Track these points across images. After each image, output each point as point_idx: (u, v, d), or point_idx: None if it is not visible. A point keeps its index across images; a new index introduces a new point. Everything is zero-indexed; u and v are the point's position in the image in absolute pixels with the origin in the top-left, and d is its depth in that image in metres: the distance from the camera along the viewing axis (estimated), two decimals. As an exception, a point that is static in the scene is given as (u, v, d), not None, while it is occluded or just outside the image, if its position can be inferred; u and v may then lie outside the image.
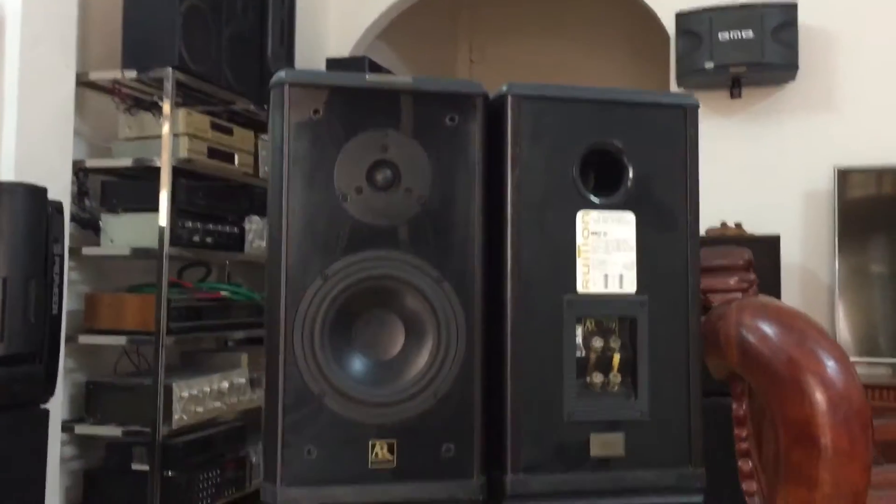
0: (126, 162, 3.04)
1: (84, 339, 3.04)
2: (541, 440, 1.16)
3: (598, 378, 1.19)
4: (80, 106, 3.06)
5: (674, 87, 4.07)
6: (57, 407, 2.87)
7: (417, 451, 1.13)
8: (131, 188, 3.08)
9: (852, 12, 3.90)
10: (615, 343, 1.20)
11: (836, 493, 1.50)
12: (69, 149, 2.95)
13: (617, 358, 1.19)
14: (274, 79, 1.12)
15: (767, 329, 1.65)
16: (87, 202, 3.07)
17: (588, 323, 1.20)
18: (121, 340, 3.04)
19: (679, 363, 1.21)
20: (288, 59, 3.53)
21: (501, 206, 1.17)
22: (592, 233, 1.18)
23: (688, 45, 3.97)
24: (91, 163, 3.07)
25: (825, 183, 3.86)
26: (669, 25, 4.10)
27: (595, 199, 1.19)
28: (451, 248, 1.15)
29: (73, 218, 3.02)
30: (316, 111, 1.11)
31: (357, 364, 1.13)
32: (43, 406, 2.52)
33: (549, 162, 1.18)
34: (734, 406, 1.81)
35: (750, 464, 1.73)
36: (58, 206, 2.61)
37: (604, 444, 1.17)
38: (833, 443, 1.50)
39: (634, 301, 1.20)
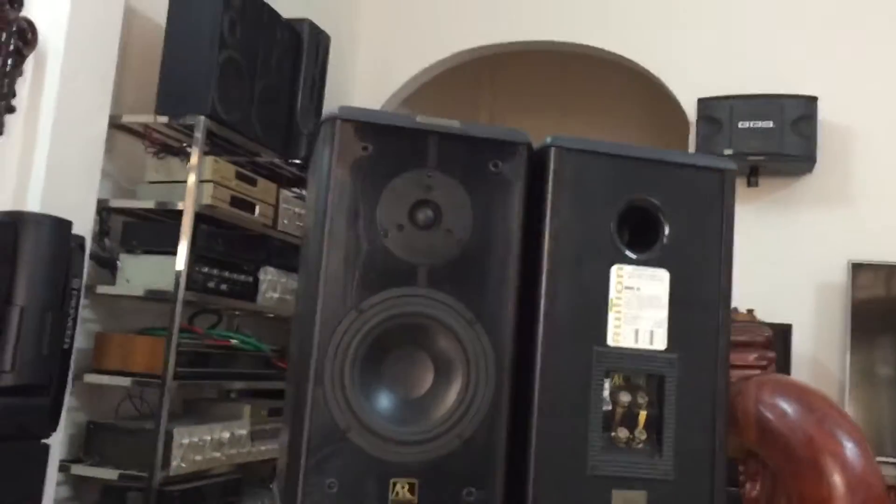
0: (149, 204, 3.07)
1: (90, 378, 3.02)
2: (563, 492, 1.14)
3: (623, 433, 1.18)
4: (109, 147, 3.10)
5: (692, 171, 4.12)
6: (56, 445, 2.84)
7: (439, 492, 1.12)
8: (152, 230, 3.11)
9: (871, 108, 3.97)
10: (642, 399, 1.19)
11: (852, 576, 1.47)
12: (95, 187, 2.99)
13: (643, 414, 1.19)
14: (325, 114, 1.14)
15: (787, 407, 1.64)
16: (106, 241, 3.09)
17: (616, 377, 1.19)
18: (125, 382, 3.02)
19: (705, 424, 1.20)
20: (317, 115, 3.60)
21: (538, 254, 1.18)
22: (626, 287, 1.19)
23: (708, 131, 4.03)
24: (115, 203, 3.11)
25: (839, 276, 3.87)
26: (690, 110, 4.17)
27: (631, 255, 1.20)
28: (487, 291, 1.15)
29: (92, 256, 3.04)
30: (365, 147, 1.13)
31: (385, 400, 1.13)
32: (44, 441, 2.49)
33: (588, 214, 1.19)
34: (747, 486, 1.78)
35: (760, 545, 1.70)
36: (80, 242, 2.63)
37: (626, 501, 1.15)
38: (850, 526, 1.48)
39: (664, 358, 1.19)
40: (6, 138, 2.69)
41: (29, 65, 2.75)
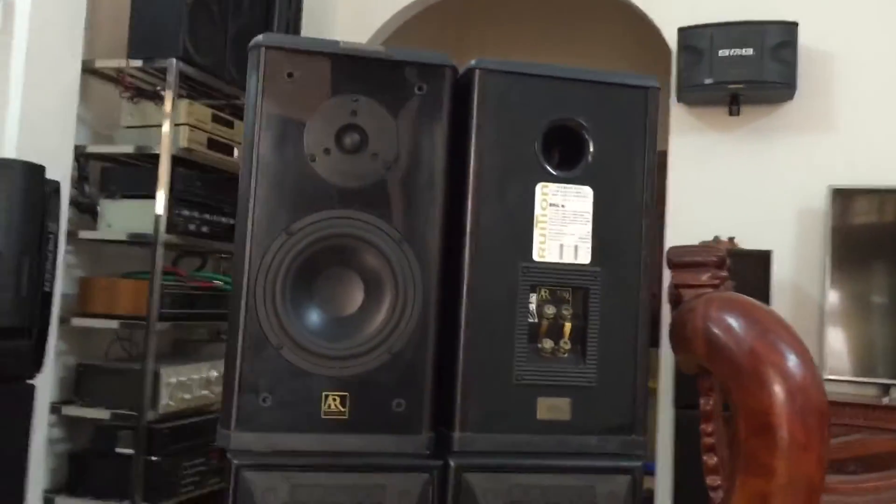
0: (127, 149, 3.10)
1: (77, 322, 3.08)
2: (489, 401, 1.20)
3: (548, 344, 1.23)
4: (84, 93, 3.12)
5: (673, 101, 4.11)
6: (46, 388, 2.91)
7: (369, 404, 1.17)
8: (131, 175, 3.13)
9: (852, 33, 3.94)
10: (567, 311, 1.24)
11: (791, 483, 1.53)
12: (71, 133, 3.01)
13: (568, 326, 1.23)
14: (252, 42, 1.17)
15: (732, 321, 1.68)
16: (86, 187, 3.12)
17: (542, 291, 1.24)
18: (113, 325, 3.08)
19: (628, 335, 1.25)
20: (292, 57, 3.59)
21: (464, 174, 1.21)
22: (551, 204, 1.22)
23: (688, 60, 4.01)
24: (92, 148, 3.13)
25: (819, 202, 3.89)
26: (671, 40, 4.15)
27: (555, 173, 1.24)
28: (414, 211, 1.19)
29: (73, 202, 3.07)
30: (290, 74, 1.16)
31: (316, 318, 1.17)
32: (30, 382, 2.54)
33: (513, 134, 1.22)
34: (701, 401, 1.84)
35: (715, 458, 1.76)
36: (55, 186, 2.65)
37: (550, 408, 1.21)
38: (789, 433, 1.53)
39: (588, 272, 1.24)
40: (-22, 88, 2.71)
41: (-2, 13, 2.75)
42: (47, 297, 2.67)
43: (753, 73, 3.92)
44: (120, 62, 3.12)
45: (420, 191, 1.19)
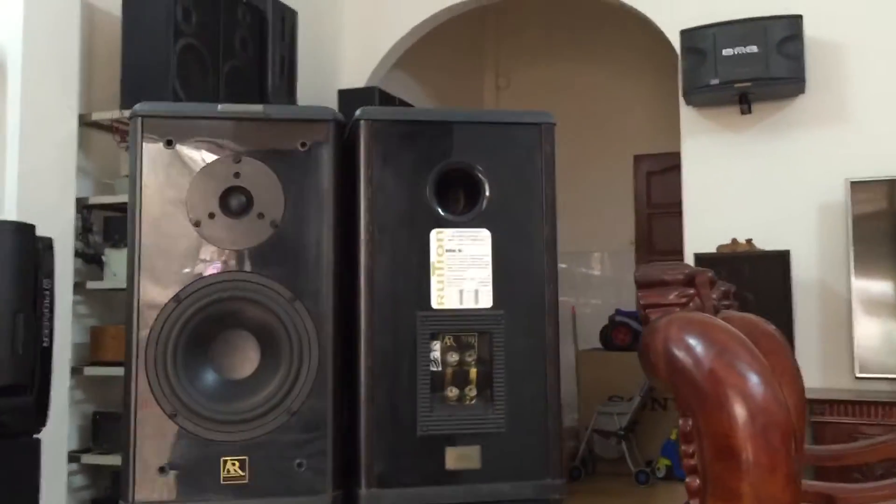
0: (126, 198, 3.15)
1: (89, 371, 3.14)
2: (395, 454, 1.18)
3: (453, 392, 1.21)
4: (85, 145, 3.18)
5: (682, 104, 4.03)
6: (63, 437, 2.96)
7: (270, 466, 1.16)
8: (133, 223, 3.19)
9: (859, 23, 3.81)
10: (471, 357, 1.21)
11: (759, 507, 1.48)
12: (72, 187, 3.06)
13: (474, 372, 1.21)
14: (130, 112, 1.18)
15: (692, 342, 1.63)
16: (90, 238, 3.18)
17: (446, 339, 1.22)
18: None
19: (537, 375, 1.22)
20: (290, 92, 3.62)
21: (355, 226, 1.20)
22: (447, 250, 1.20)
23: (693, 61, 3.93)
24: (94, 199, 3.19)
25: (838, 196, 3.77)
26: (676, 43, 4.08)
27: (449, 217, 1.21)
28: (304, 269, 1.18)
29: (79, 254, 3.13)
30: (169, 142, 1.16)
31: (211, 383, 1.17)
32: (35, 437, 2.59)
33: (403, 183, 1.21)
34: (681, 422, 1.79)
35: (697, 481, 1.71)
36: (48, 242, 2.70)
37: (459, 458, 1.18)
38: (753, 456, 1.48)
39: (489, 315, 1.21)
40: (-25, 149, 2.78)
41: (-10, 75, 2.83)
42: (46, 352, 2.71)
43: (760, 70, 3.82)
44: (114, 112, 3.18)
45: (309, 248, 1.19)
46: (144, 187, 1.16)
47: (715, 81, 3.89)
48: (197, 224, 1.16)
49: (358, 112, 1.22)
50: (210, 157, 1.17)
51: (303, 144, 1.19)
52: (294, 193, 1.19)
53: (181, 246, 1.17)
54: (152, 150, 1.17)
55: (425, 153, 1.21)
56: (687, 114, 4.12)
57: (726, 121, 4.11)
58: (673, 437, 4.98)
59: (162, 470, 1.14)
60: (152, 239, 1.16)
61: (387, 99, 4.27)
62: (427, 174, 1.21)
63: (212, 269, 1.13)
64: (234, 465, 1.15)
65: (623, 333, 5.44)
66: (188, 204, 1.17)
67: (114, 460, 3.10)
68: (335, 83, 4.56)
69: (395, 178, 1.20)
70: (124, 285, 3.18)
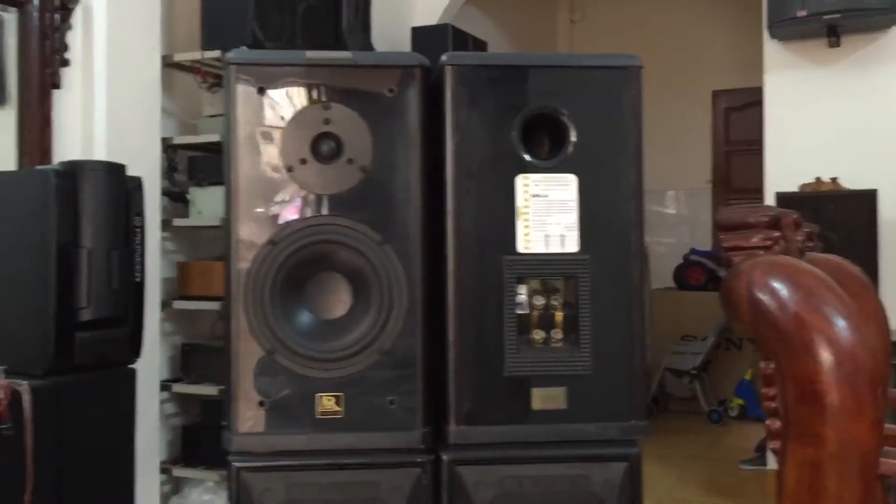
0: (211, 137, 3.23)
1: (178, 305, 3.26)
2: (483, 393, 1.21)
3: (539, 335, 1.23)
4: (168, 86, 3.26)
5: (766, 38, 3.91)
6: (154, 367, 3.10)
7: (363, 403, 1.21)
8: (216, 162, 3.26)
9: (959, -53, 3.62)
10: (557, 301, 1.23)
11: (843, 451, 1.48)
12: (157, 127, 3.15)
13: (560, 315, 1.23)
14: (223, 59, 1.21)
15: (777, 286, 1.62)
16: (176, 177, 3.28)
17: (533, 282, 1.24)
18: (212, 305, 3.24)
19: (622, 319, 1.23)
20: (364, 30, 3.62)
21: (442, 171, 1.22)
22: (533, 195, 1.21)
23: (779, -7, 3.80)
24: (178, 139, 3.28)
25: (930, 133, 3.63)
26: (761, -26, 3.93)
27: (535, 163, 1.22)
28: (393, 212, 1.21)
29: (164, 192, 3.23)
30: (261, 89, 1.19)
31: (306, 323, 1.22)
32: (131, 367, 2.72)
33: (489, 128, 1.22)
34: (762, 364, 1.78)
35: (778, 423, 1.71)
36: (137, 182, 2.79)
37: (545, 398, 1.21)
38: (838, 401, 1.47)
39: (575, 260, 1.22)
40: (66, 91, 2.88)
41: (77, 18, 2.91)
42: (139, 287, 2.82)
43: (850, 0, 3.67)
44: (196, 54, 3.23)
45: (398, 192, 1.21)
46: (238, 133, 1.20)
47: (802, 13, 3.75)
48: (289, 169, 1.20)
49: (444, 57, 1.23)
50: (300, 104, 1.20)
51: (390, 90, 1.21)
52: (382, 138, 1.21)
53: (275, 190, 1.21)
54: (245, 97, 1.20)
55: (511, 98, 1.22)
56: (771, 48, 3.98)
57: (813, 55, 3.97)
58: (747, 377, 4.95)
59: (261, 404, 1.20)
60: (247, 184, 1.20)
61: (460, 36, 4.24)
62: (513, 119, 1.22)
63: (291, 213, 1.17)
64: (329, 400, 1.20)
65: (697, 273, 5.39)
66: (281, 150, 1.20)
67: (202, 389, 3.24)
68: (408, 20, 4.54)
69: (481, 122, 1.22)
70: (209, 223, 3.29)
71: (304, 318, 1.23)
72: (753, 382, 4.91)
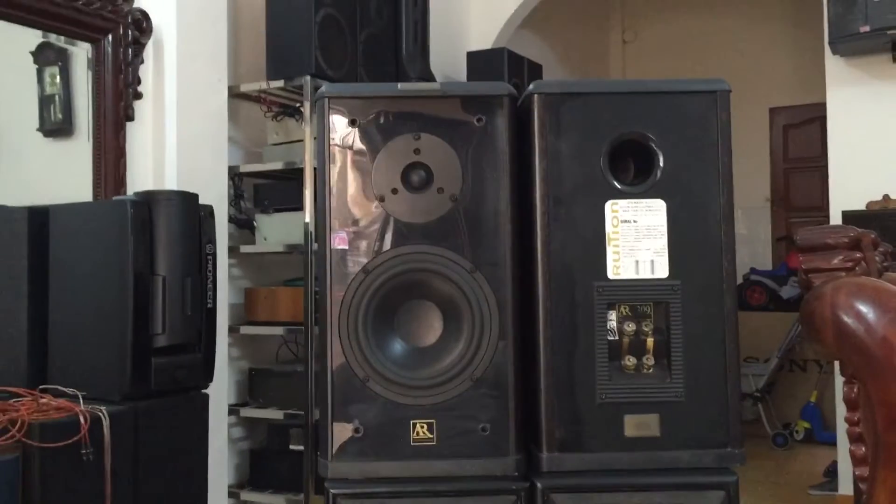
0: (275, 165, 3.29)
1: (245, 330, 3.31)
2: (575, 420, 1.21)
3: (631, 361, 1.23)
4: (233, 115, 3.33)
5: (827, 53, 3.86)
6: (223, 392, 3.15)
7: (456, 430, 1.22)
8: (280, 189, 3.32)
9: None
10: (648, 327, 1.23)
11: (935, 478, 1.45)
12: (224, 155, 3.22)
13: (651, 341, 1.23)
14: (317, 93, 1.24)
15: (863, 309, 1.59)
16: (242, 204, 3.34)
17: (622, 308, 1.24)
18: (277, 331, 3.28)
19: (715, 345, 1.23)
20: (423, 56, 3.67)
21: (531, 199, 1.23)
22: (622, 221, 1.22)
23: (840, 8, 3.75)
24: (245, 168, 3.35)
25: None
26: (823, -9, 3.90)
27: (624, 189, 1.23)
28: (483, 240, 1.23)
29: (231, 219, 3.29)
30: (353, 121, 1.22)
31: (398, 350, 1.23)
32: (203, 391, 2.76)
33: (577, 155, 1.23)
34: (844, 389, 1.75)
35: (863, 448, 1.68)
36: (209, 210, 2.85)
37: (638, 425, 1.21)
38: (930, 427, 1.44)
39: (666, 285, 1.22)
40: (138, 123, 2.95)
41: (148, 52, 2.99)
42: (211, 313, 2.87)
43: (914, 15, 3.62)
44: (261, 84, 3.30)
45: (488, 220, 1.23)
46: (333, 164, 1.22)
47: (865, 28, 3.71)
48: (381, 199, 1.22)
49: (531, 86, 1.24)
50: (392, 135, 1.22)
51: (479, 119, 1.23)
52: (471, 167, 1.23)
53: (367, 220, 1.23)
54: (338, 129, 1.23)
55: (598, 125, 1.23)
56: (833, 64, 3.94)
57: (877, 70, 3.91)
58: (813, 399, 4.85)
59: (357, 430, 1.21)
60: (339, 214, 1.23)
61: (515, 59, 4.27)
62: (601, 145, 1.22)
63: (338, 242, 1.19)
64: (422, 427, 1.21)
65: (758, 293, 5.32)
66: (373, 180, 1.22)
67: (269, 413, 3.27)
68: (464, 45, 4.59)
69: (569, 149, 1.23)
70: (275, 249, 3.32)
71: (397, 345, 1.24)
72: (819, 405, 4.81)
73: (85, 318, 2.34)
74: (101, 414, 2.09)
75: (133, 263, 2.33)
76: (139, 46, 2.99)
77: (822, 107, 3.94)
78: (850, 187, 3.80)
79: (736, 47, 5.78)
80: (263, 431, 3.42)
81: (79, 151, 2.97)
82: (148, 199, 2.68)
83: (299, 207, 3.20)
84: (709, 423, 1.23)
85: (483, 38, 4.61)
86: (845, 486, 3.61)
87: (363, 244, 1.23)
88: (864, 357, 1.56)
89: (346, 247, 1.22)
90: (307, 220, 3.17)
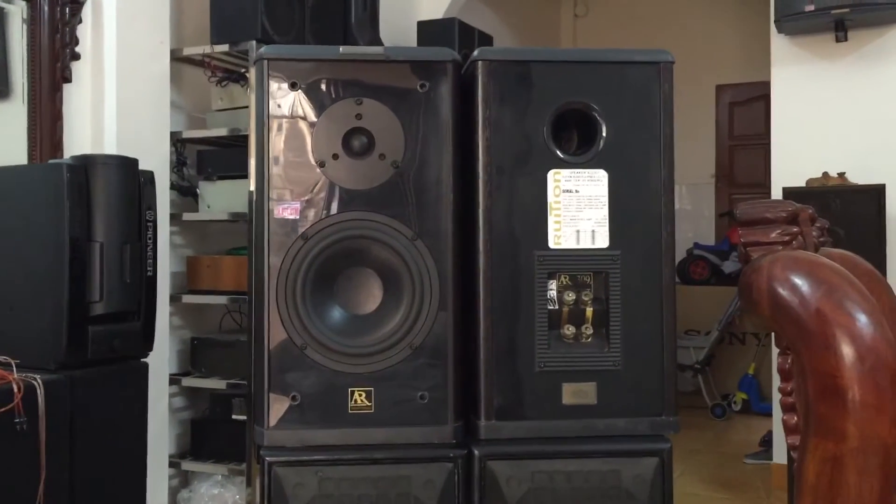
0: (219, 132, 3.22)
1: (187, 299, 3.26)
2: (513, 388, 1.22)
3: (570, 330, 1.23)
4: (176, 80, 3.25)
5: (773, 33, 3.90)
6: (164, 361, 3.10)
7: (394, 398, 1.22)
8: (225, 156, 3.26)
9: (967, -58, 3.62)
10: (588, 297, 1.23)
11: (864, 446, 1.48)
12: (166, 121, 3.14)
13: (590, 311, 1.23)
14: (255, 55, 1.21)
15: (798, 281, 1.62)
16: (185, 171, 3.27)
17: (562, 278, 1.24)
18: (221, 300, 3.24)
19: (653, 315, 1.24)
20: (373, 24, 3.62)
21: (473, 167, 1.22)
22: (564, 191, 1.22)
23: (786, -12, 3.79)
24: (188, 134, 3.27)
25: (937, 128, 3.64)
26: (768, -31, 3.93)
27: (566, 158, 1.23)
28: (425, 208, 1.22)
29: (173, 186, 3.23)
30: (294, 84, 1.19)
31: (337, 318, 1.22)
32: (143, 360, 2.71)
33: (520, 124, 1.22)
34: (779, 360, 1.79)
35: (795, 418, 1.72)
36: (149, 176, 2.78)
37: (575, 393, 1.22)
38: (860, 396, 1.47)
39: (606, 256, 1.23)
40: (76, 85, 2.87)
41: (87, 11, 2.90)
42: (151, 281, 2.82)
43: (858, -6, 3.67)
44: (206, 48, 3.22)
45: (430, 188, 1.22)
46: (271, 128, 1.20)
47: (810, 7, 3.75)
48: (321, 165, 1.20)
49: (476, 52, 1.23)
50: (333, 99, 1.20)
51: (422, 85, 1.21)
52: (414, 134, 1.21)
53: (307, 185, 1.21)
54: (277, 92, 1.20)
55: (542, 93, 1.22)
56: (778, 42, 3.98)
57: (820, 49, 3.96)
58: (750, 371, 4.96)
59: (294, 398, 1.20)
60: (278, 179, 1.20)
61: (466, 30, 4.23)
62: (544, 115, 1.22)
63: (288, 211, 1.17)
64: (360, 395, 1.20)
65: (701, 267, 5.40)
66: (313, 145, 1.20)
67: (211, 383, 3.23)
68: (414, 14, 4.54)
69: (513, 118, 1.22)
70: (218, 217, 3.27)
71: (336, 313, 1.23)
72: (757, 377, 4.93)
73: (19, 284, 2.28)
74: (35, 382, 2.05)
75: (69, 229, 2.27)
76: (77, 5, 2.90)
77: (767, 85, 3.99)
78: (791, 164, 3.85)
79: (685, 24, 5.82)
80: (206, 401, 3.38)
81: (14, 113, 2.88)
82: (85, 164, 2.61)
83: (244, 175, 3.14)
84: (645, 391, 1.25)
85: (434, 7, 4.57)
86: (780, 455, 3.70)
87: (303, 210, 1.21)
88: (798, 328, 1.59)
89: (298, 217, 1.20)
90: (252, 188, 3.12)
